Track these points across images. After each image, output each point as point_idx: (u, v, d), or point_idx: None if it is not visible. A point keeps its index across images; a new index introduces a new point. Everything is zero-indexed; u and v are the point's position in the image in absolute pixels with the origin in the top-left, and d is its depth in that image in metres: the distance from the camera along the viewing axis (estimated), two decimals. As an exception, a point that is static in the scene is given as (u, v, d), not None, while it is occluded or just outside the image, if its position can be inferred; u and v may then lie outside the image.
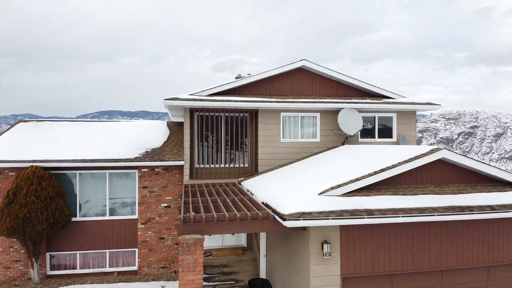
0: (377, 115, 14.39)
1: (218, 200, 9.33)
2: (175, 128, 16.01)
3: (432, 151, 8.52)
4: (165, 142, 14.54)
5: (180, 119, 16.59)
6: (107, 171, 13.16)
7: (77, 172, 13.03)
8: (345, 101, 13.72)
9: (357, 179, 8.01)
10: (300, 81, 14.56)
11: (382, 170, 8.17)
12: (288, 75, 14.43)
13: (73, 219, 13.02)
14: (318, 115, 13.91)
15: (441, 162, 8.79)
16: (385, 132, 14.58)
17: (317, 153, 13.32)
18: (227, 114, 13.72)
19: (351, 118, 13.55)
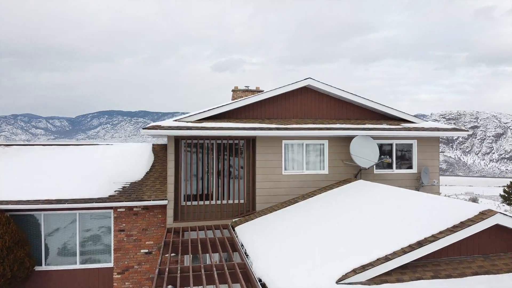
0: (394, 142, 12.36)
1: (203, 269, 7.31)
2: (161, 153, 13.97)
3: (483, 215, 6.50)
4: (147, 173, 12.50)
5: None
6: (77, 212, 11.13)
7: (42, 213, 11.01)
8: (358, 126, 11.69)
9: (387, 258, 5.99)
10: (305, 102, 12.52)
11: (420, 245, 6.14)
12: (292, 96, 12.39)
13: (38, 268, 10.99)
14: (326, 142, 11.88)
15: (491, 227, 6.77)
16: (404, 161, 12.55)
17: (326, 189, 11.28)
18: (219, 141, 11.69)
19: (365, 148, 11.52)
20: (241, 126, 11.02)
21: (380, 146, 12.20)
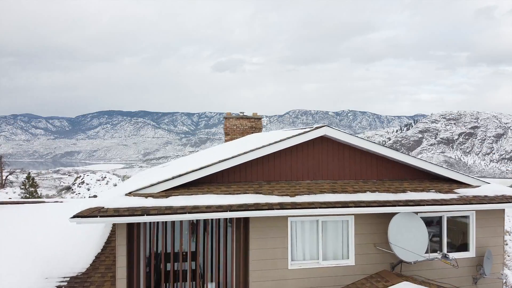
0: (445, 214, 8.78)
1: None
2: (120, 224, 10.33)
3: None
4: (97, 257, 8.88)
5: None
6: (-14, 326, 7.56)
7: None
8: (398, 199, 8.08)
9: None
10: (321, 157, 8.92)
11: None
12: (302, 148, 8.80)
13: None
14: (351, 218, 8.29)
15: None
16: (458, 240, 8.98)
17: (350, 292, 7.71)
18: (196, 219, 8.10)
19: (409, 232, 7.94)
20: (226, 203, 7.41)
21: (426, 221, 8.61)
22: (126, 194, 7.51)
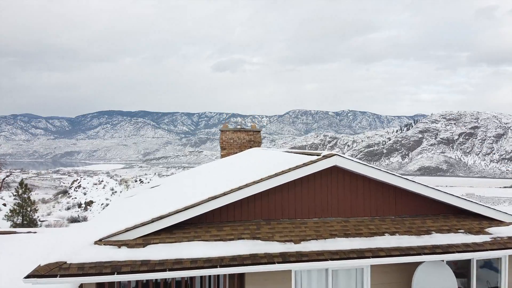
0: (475, 258, 7.49)
1: None
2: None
3: None
4: (67, 308, 7.59)
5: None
6: None
7: None
8: (423, 244, 6.78)
9: None
10: (330, 190, 7.61)
11: None
12: (308, 181, 7.49)
13: None
14: (367, 266, 7.00)
15: None
16: (487, 283, 7.69)
17: None
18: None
19: (435, 284, 6.65)
20: (216, 254, 6.09)
21: (452, 265, 7.32)
22: (96, 242, 6.20)
